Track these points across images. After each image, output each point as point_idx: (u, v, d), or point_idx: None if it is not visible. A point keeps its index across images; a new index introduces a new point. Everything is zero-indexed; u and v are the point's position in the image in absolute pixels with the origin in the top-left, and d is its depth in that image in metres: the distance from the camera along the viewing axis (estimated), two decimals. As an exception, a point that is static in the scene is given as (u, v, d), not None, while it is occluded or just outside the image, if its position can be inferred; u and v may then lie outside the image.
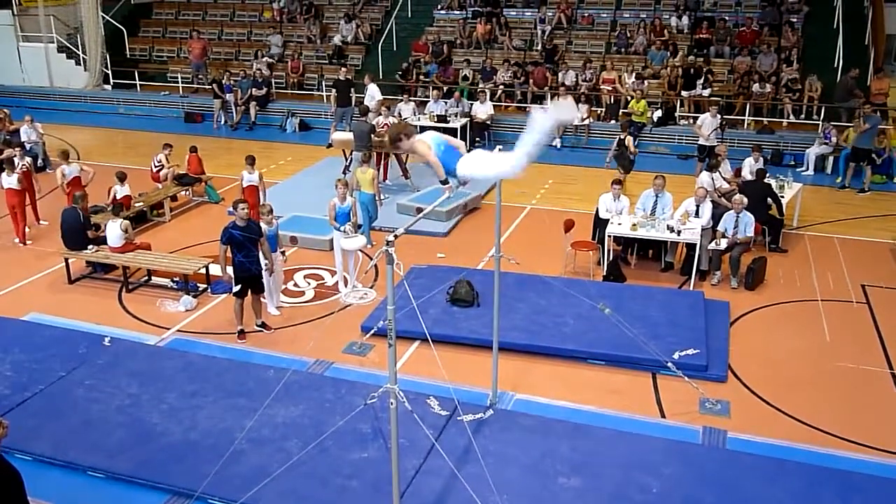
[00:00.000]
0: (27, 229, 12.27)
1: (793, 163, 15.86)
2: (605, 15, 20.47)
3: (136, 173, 13.91)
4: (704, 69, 17.62)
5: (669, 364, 7.99)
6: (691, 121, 17.20)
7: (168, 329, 9.51)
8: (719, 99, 17.26)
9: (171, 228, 12.93)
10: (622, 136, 14.03)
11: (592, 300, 8.62)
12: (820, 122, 16.22)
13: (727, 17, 19.25)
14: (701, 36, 18.88)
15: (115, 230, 10.49)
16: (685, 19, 19.37)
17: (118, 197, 12.16)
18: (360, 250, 10.54)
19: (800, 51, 17.85)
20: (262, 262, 9.26)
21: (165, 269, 10.61)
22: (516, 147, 5.28)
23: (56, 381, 8.02)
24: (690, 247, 10.57)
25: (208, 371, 8.26)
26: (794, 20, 18.66)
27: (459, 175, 5.66)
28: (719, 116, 14.74)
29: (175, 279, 10.58)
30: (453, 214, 12.79)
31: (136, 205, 12.66)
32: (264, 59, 20.83)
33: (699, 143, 14.88)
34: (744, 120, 17.14)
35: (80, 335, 9.01)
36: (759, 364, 8.61)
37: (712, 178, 11.74)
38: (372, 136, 13.56)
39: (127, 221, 10.78)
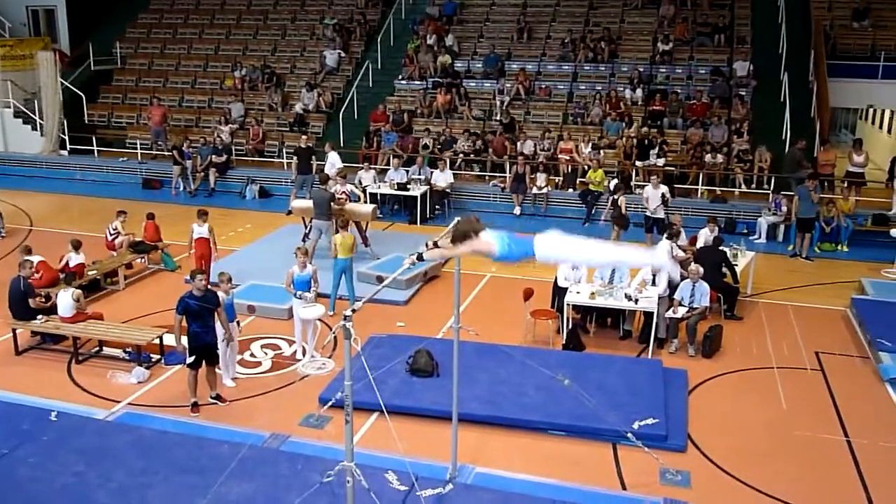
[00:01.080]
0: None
1: (745, 231, 16.22)
2: (562, 87, 21.01)
3: (92, 240, 13.71)
4: (658, 140, 18.11)
5: (629, 434, 7.98)
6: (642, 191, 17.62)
7: (119, 402, 9.24)
8: (673, 169, 17.74)
9: (126, 297, 12.69)
10: (615, 197, 14.85)
11: (552, 370, 8.61)
12: (770, 192, 16.67)
13: (679, 90, 19.88)
14: (654, 108, 19.45)
15: (66, 299, 10.26)
16: (639, 92, 19.95)
17: (71, 265, 11.93)
18: (319, 319, 10.43)
19: (749, 123, 18.45)
20: (220, 331, 9.12)
21: (117, 339, 10.36)
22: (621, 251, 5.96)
23: (-2, 459, 7.70)
24: (648, 315, 10.67)
25: (159, 446, 8.00)
26: (743, 93, 19.34)
27: (542, 254, 5.51)
28: (663, 187, 14.92)
29: (127, 350, 10.33)
30: (413, 283, 12.77)
31: (90, 273, 12.42)
32: (228, 125, 20.89)
33: (645, 214, 15.14)
34: (697, 189, 17.55)
35: (24, 410, 8.68)
36: (718, 433, 8.63)
37: (671, 248, 11.93)
38: (332, 203, 13.59)
39: (79, 291, 10.56)
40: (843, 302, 12.36)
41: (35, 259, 11.54)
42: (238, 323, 10.09)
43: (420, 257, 5.67)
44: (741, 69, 19.86)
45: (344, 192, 14.59)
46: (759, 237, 15.90)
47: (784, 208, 15.81)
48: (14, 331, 10.48)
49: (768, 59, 20.05)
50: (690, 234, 13.35)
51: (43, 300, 10.66)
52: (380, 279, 11.21)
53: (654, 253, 5.93)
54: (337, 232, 12.03)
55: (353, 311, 4.95)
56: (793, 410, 9.17)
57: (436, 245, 5.82)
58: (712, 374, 10.07)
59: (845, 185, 16.41)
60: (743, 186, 17.53)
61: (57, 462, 7.68)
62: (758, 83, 19.67)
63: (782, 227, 15.91)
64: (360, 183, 17.39)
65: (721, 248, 12.13)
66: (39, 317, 10.48)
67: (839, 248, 15.31)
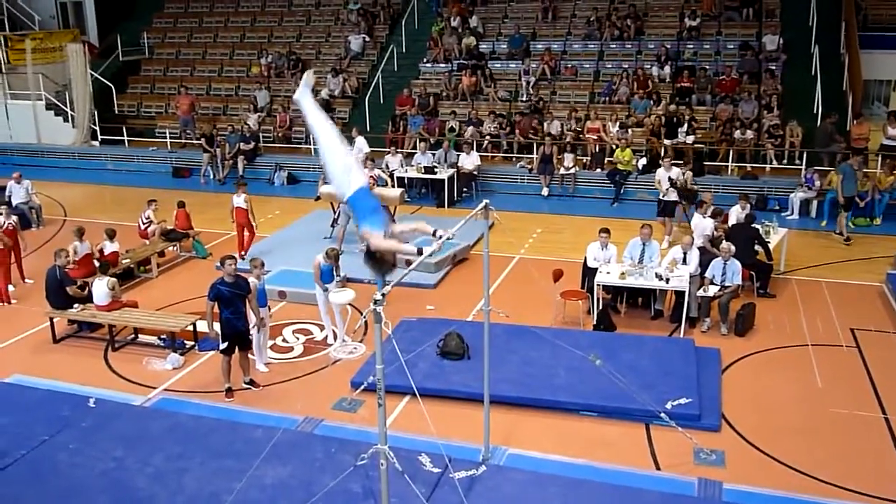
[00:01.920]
0: (12, 288, 12.17)
1: (777, 207, 15.99)
2: (587, 66, 20.80)
3: (124, 229, 13.86)
4: (687, 117, 17.87)
5: (662, 414, 7.93)
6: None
7: (154, 388, 9.38)
8: (703, 146, 17.52)
9: (159, 285, 12.85)
10: (682, 173, 14.76)
11: (583, 350, 8.58)
12: (802, 167, 16.40)
13: (707, 66, 19.57)
14: (682, 85, 19.16)
15: (101, 288, 10.41)
16: (667, 69, 19.69)
17: (106, 253, 12.10)
18: (350, 304, 10.49)
19: (780, 97, 18.13)
20: (252, 318, 9.22)
21: (152, 326, 10.51)
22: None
23: (38, 445, 7.86)
24: (679, 294, 10.58)
25: (195, 432, 8.12)
26: (773, 67, 19.00)
27: (340, 190, 5.69)
28: (674, 170, 14.41)
29: (162, 337, 10.48)
30: (442, 266, 12.77)
31: (124, 261, 12.60)
32: (255, 113, 20.99)
33: (658, 198, 14.53)
34: (727, 166, 17.32)
35: (64, 397, 8.86)
36: (752, 412, 8.55)
37: (713, 225, 11.85)
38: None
39: (114, 279, 10.71)
40: (879, 277, 12.16)
41: (82, 246, 11.76)
42: (269, 308, 10.17)
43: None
44: (770, 43, 19.50)
45: (371, 175, 14.59)
46: (792, 213, 15.66)
47: (817, 183, 15.54)
48: (52, 319, 10.68)
49: (798, 31, 19.64)
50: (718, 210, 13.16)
51: (79, 289, 10.83)
52: (408, 263, 11.25)
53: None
54: (394, 221, 11.94)
55: (383, 294, 4.96)
56: (828, 388, 9.06)
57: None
58: (745, 352, 9.97)
59: (883, 159, 16.07)
60: (774, 162, 17.25)
61: (96, 448, 7.83)
62: (788, 57, 19.29)
63: (815, 202, 15.65)
64: (388, 167, 17.40)
65: (753, 225, 11.98)
66: (76, 305, 10.66)
67: (873, 222, 15.03)
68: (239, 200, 13.22)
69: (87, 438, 8.00)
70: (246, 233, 13.40)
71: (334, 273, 10.30)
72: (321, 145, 5.88)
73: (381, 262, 5.60)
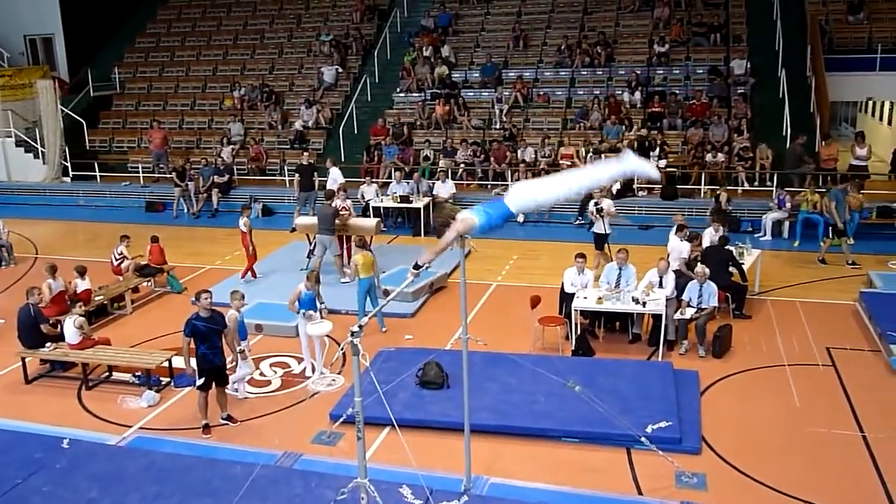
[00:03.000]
0: (-17, 328, 11.97)
1: (750, 229, 16.17)
2: (560, 93, 21.05)
3: (98, 266, 13.71)
4: (659, 141, 18.09)
5: (643, 438, 7.93)
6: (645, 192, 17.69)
7: (130, 427, 9.22)
8: (675, 169, 17.73)
9: (133, 321, 12.69)
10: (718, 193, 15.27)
11: (562, 376, 8.58)
12: (773, 189, 16.64)
13: (677, 91, 19.90)
14: (654, 109, 19.46)
15: (70, 327, 10.27)
16: (637, 94, 19.97)
17: (78, 291, 11.94)
18: (327, 336, 10.41)
19: (749, 121, 18.44)
20: (240, 346, 9.25)
21: (126, 364, 10.35)
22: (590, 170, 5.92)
23: (11, 489, 7.66)
24: (657, 317, 10.63)
25: (172, 470, 7.97)
26: (742, 91, 19.33)
27: (517, 205, 5.73)
28: (605, 201, 13.44)
29: (137, 374, 10.32)
30: (420, 295, 12.75)
31: (97, 298, 12.44)
32: (229, 146, 20.96)
33: (595, 231, 13.62)
34: (700, 189, 17.53)
35: (37, 438, 8.66)
36: (732, 433, 8.57)
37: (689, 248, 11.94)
38: (335, 219, 13.61)
39: (82, 318, 10.53)
40: (852, 296, 12.30)
41: (56, 283, 11.60)
42: (247, 340, 10.05)
43: (417, 267, 5.74)
44: (739, 67, 19.89)
45: (344, 206, 14.61)
46: (765, 234, 15.86)
47: (788, 204, 15.76)
48: (23, 359, 10.49)
49: (765, 56, 20.08)
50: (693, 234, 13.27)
51: (52, 327, 10.66)
52: (386, 293, 11.23)
53: (624, 160, 5.78)
54: (349, 255, 11.92)
55: (361, 326, 4.95)
56: (806, 407, 9.11)
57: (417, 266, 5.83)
58: (724, 374, 10.02)
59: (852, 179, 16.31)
60: (745, 184, 17.50)
61: (71, 489, 7.65)
62: (756, 80, 19.69)
63: (787, 223, 15.86)
64: (363, 197, 17.42)
65: (727, 247, 12.09)
66: (48, 344, 10.49)
67: (832, 240, 15.20)
68: (240, 224, 13.74)
69: (61, 480, 7.82)
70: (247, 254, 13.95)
71: (317, 301, 10.21)
72: (564, 187, 5.85)
73: (442, 228, 5.79)
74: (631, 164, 5.88)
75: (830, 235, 14.47)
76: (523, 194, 5.68)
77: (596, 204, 13.36)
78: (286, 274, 14.09)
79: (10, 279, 14.64)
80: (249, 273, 14.00)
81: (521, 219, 17.56)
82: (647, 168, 6.24)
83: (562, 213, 17.57)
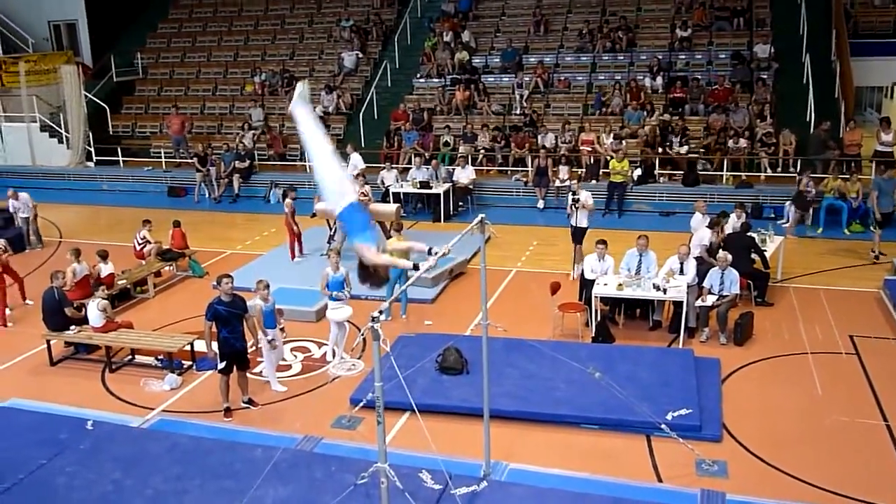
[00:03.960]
0: (9, 311, 12.12)
1: (773, 215, 16.01)
2: (580, 78, 20.88)
3: (120, 250, 13.86)
4: (680, 127, 17.93)
5: (663, 426, 7.91)
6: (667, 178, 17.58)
7: (152, 409, 9.33)
8: (697, 155, 17.58)
9: (155, 305, 12.82)
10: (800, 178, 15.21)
11: (582, 363, 8.56)
12: (797, 175, 16.44)
13: (699, 76, 19.68)
14: (675, 95, 19.26)
15: (93, 310, 10.38)
16: (659, 80, 19.77)
17: (102, 276, 12.07)
18: (348, 321, 10.45)
19: (772, 106, 18.21)
20: (267, 336, 9.25)
21: (149, 347, 10.47)
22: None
23: (36, 469, 7.79)
24: (678, 304, 10.58)
25: (194, 452, 8.07)
26: (765, 76, 19.09)
27: (333, 201, 5.63)
28: (583, 193, 12.77)
29: (159, 357, 10.43)
30: (439, 280, 12.75)
31: (120, 282, 12.56)
32: (250, 131, 21.03)
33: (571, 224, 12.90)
34: (722, 175, 17.37)
35: (61, 420, 8.79)
36: (753, 421, 8.53)
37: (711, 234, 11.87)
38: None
39: (105, 301, 10.64)
40: (876, 284, 12.16)
41: (80, 267, 11.70)
42: (283, 330, 10.04)
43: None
44: (762, 52, 19.61)
45: (362, 192, 14.61)
46: (787, 221, 15.69)
47: (812, 191, 15.57)
48: (48, 342, 10.63)
49: (789, 40, 19.79)
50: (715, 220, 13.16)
51: (76, 310, 10.79)
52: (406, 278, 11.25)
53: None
54: (389, 236, 11.91)
55: (381, 311, 4.96)
56: (828, 396, 9.04)
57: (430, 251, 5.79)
58: (745, 361, 9.96)
59: (877, 165, 16.10)
60: (768, 170, 17.32)
61: (94, 471, 7.76)
62: (779, 65, 19.41)
63: (811, 209, 15.68)
64: (383, 183, 17.43)
65: (749, 233, 11.99)
66: (72, 327, 10.62)
67: (870, 228, 15.03)
68: (284, 206, 14.18)
69: (84, 461, 7.94)
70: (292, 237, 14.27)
71: (345, 286, 10.23)
72: (313, 158, 5.80)
73: (373, 275, 5.58)
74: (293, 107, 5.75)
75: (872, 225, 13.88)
76: (324, 196, 5.73)
77: (573, 195, 12.75)
78: (307, 259, 14.16)
79: (36, 262, 14.81)
80: (298, 252, 14.35)
81: (541, 205, 17.51)
82: (298, 90, 5.84)
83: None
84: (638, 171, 17.41)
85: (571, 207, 12.69)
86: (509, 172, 18.79)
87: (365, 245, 5.44)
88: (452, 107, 20.67)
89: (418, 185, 17.27)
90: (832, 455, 7.89)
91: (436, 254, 5.70)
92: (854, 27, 19.79)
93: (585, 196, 12.75)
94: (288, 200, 14.28)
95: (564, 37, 22.08)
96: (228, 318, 8.78)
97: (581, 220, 12.70)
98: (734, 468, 7.68)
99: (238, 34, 25.72)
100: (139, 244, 13.82)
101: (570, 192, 12.96)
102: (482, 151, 19.00)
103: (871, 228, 13.81)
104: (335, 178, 5.67)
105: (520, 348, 9.72)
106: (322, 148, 5.68)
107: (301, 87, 5.81)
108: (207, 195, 19.74)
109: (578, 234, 12.82)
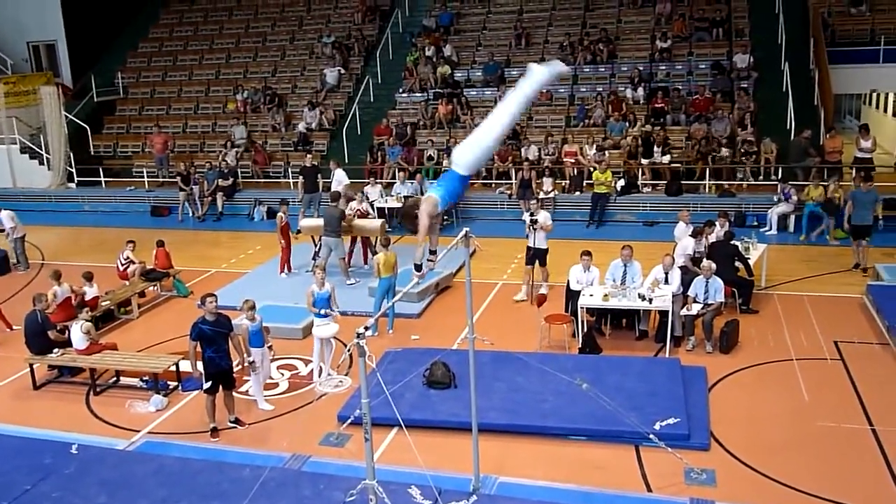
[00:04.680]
0: (-9, 336, 12.01)
1: (756, 223, 16.12)
2: (562, 90, 21.01)
3: (104, 271, 13.74)
4: (662, 137, 18.06)
5: (651, 435, 7.92)
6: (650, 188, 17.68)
7: (138, 431, 9.24)
8: (679, 165, 17.70)
9: (140, 325, 12.71)
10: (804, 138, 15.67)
11: (569, 374, 8.57)
12: (778, 183, 16.59)
13: (680, 87, 19.86)
14: (657, 105, 19.41)
15: (77, 332, 10.30)
16: (640, 90, 19.93)
17: (87, 298, 11.96)
18: (334, 337, 10.41)
19: (753, 115, 18.38)
20: (251, 357, 9.21)
21: (134, 368, 10.37)
22: (507, 98, 5.74)
23: (20, 495, 7.68)
24: (663, 314, 10.61)
25: (181, 474, 7.99)
26: (745, 86, 19.28)
27: (465, 166, 5.63)
28: (541, 213, 12.51)
29: (144, 378, 10.34)
30: (425, 295, 12.74)
31: (103, 303, 12.46)
32: (233, 149, 21.00)
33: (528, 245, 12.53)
34: (704, 184, 17.49)
35: (45, 444, 8.68)
36: (741, 429, 8.55)
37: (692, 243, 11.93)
38: (342, 221, 13.63)
39: (89, 323, 10.54)
40: (859, 289, 12.26)
41: (61, 290, 11.59)
42: (271, 349, 9.91)
43: (418, 268, 5.80)
44: (741, 62, 19.83)
45: (359, 209, 14.66)
46: (770, 228, 15.81)
47: (794, 197, 15.70)
48: (31, 366, 10.51)
49: (768, 50, 20.02)
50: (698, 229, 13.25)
51: (59, 333, 10.69)
52: (394, 293, 11.22)
53: (530, 72, 5.76)
54: (376, 252, 11.89)
55: (367, 328, 4.95)
56: (815, 402, 9.09)
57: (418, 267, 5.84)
58: (731, 369, 9.99)
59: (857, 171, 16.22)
60: (750, 179, 17.46)
61: (80, 495, 7.67)
62: (759, 75, 19.63)
63: (793, 217, 15.80)
64: (367, 198, 17.41)
65: (733, 241, 12.07)
66: (56, 350, 10.52)
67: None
68: (277, 219, 14.35)
69: (70, 486, 7.84)
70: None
71: (331, 303, 10.20)
72: (501, 118, 5.67)
73: (412, 222, 5.70)
74: (539, 72, 5.83)
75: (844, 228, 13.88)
76: (464, 151, 5.66)
77: (532, 216, 12.30)
78: (292, 276, 14.13)
79: (17, 286, 14.68)
80: (286, 267, 14.40)
81: (525, 217, 17.49)
82: (557, 67, 6.07)
83: (566, 211, 17.55)
84: (621, 182, 17.50)
85: (530, 228, 12.27)
86: (493, 185, 18.84)
87: (435, 202, 5.53)
88: (435, 121, 20.75)
89: (402, 200, 17.26)
90: (819, 460, 7.92)
91: (421, 273, 5.75)
92: (832, 36, 20.04)
93: (544, 217, 12.42)
94: (280, 214, 14.31)
95: (546, 49, 22.21)
96: (213, 337, 8.73)
97: (540, 241, 12.31)
98: (722, 476, 7.69)
99: (220, 52, 25.73)
100: (122, 264, 13.72)
101: (528, 213, 12.57)
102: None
103: (852, 240, 13.63)
104: (493, 148, 5.81)
105: (507, 361, 9.71)
106: (510, 119, 5.71)
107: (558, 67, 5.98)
108: (191, 214, 19.66)
109: (536, 255, 12.36)
